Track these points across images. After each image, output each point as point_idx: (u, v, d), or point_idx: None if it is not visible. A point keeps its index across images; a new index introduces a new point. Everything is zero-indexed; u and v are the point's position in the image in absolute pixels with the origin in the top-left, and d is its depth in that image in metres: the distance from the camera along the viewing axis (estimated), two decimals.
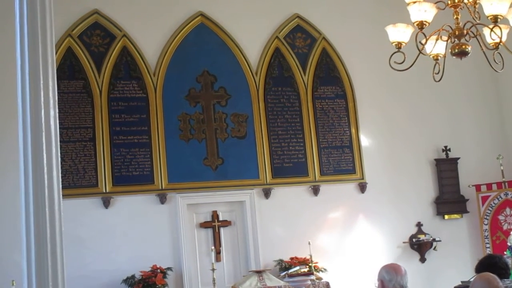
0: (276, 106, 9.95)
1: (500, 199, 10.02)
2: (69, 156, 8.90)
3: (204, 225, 9.49)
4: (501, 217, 9.98)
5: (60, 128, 3.34)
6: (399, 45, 5.95)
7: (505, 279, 5.11)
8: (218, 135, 9.63)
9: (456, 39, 5.89)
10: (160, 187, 9.25)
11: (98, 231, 8.90)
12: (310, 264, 9.10)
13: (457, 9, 5.88)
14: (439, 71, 6.18)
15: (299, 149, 9.91)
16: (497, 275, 4.35)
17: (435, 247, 10.17)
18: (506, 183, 10.05)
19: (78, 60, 9.23)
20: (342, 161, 10.07)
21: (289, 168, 9.83)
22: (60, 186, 3.26)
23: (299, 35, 10.26)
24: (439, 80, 6.24)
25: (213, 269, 8.59)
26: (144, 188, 9.21)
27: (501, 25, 5.71)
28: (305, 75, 10.12)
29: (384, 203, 10.13)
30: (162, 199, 9.23)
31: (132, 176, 9.17)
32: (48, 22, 3.35)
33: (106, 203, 9.00)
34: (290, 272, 8.97)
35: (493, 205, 10.04)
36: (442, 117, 10.73)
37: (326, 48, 10.29)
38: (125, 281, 8.71)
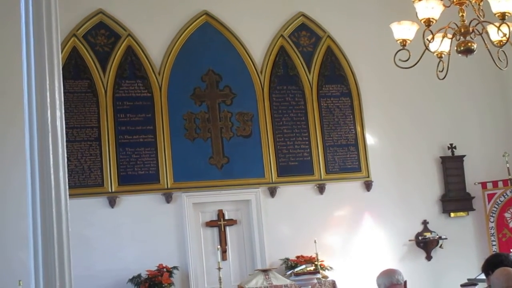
0: (281, 104, 9.94)
1: (506, 196, 9.99)
2: (74, 156, 8.91)
3: (210, 224, 9.49)
4: (507, 215, 9.96)
5: (65, 127, 3.34)
6: (403, 43, 5.95)
7: None
8: (223, 134, 9.63)
9: (461, 37, 5.88)
10: (166, 186, 9.25)
11: (104, 230, 8.91)
12: (316, 263, 9.08)
13: (463, 7, 5.87)
14: (443, 69, 6.18)
15: (304, 147, 9.91)
16: None
17: (441, 245, 10.15)
18: None
19: (83, 60, 9.24)
20: (347, 159, 10.06)
21: (294, 166, 9.83)
22: (67, 186, 3.27)
23: (304, 34, 10.25)
24: (443, 78, 6.24)
25: (219, 268, 8.59)
26: (149, 188, 9.22)
27: (507, 23, 5.70)
28: (310, 73, 10.11)
29: (390, 201, 10.12)
30: (168, 198, 9.24)
31: (137, 175, 9.18)
32: (53, 22, 3.35)
33: (112, 203, 9.02)
34: (296, 271, 8.96)
35: (499, 202, 10.01)
36: (447, 114, 10.70)
37: (331, 46, 10.27)
38: (131, 280, 8.71)
